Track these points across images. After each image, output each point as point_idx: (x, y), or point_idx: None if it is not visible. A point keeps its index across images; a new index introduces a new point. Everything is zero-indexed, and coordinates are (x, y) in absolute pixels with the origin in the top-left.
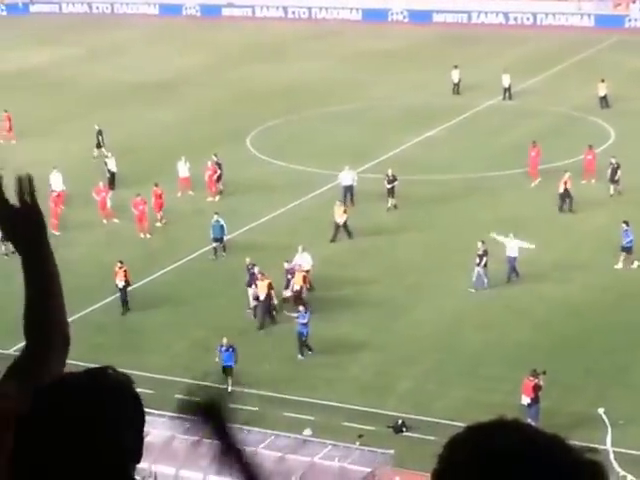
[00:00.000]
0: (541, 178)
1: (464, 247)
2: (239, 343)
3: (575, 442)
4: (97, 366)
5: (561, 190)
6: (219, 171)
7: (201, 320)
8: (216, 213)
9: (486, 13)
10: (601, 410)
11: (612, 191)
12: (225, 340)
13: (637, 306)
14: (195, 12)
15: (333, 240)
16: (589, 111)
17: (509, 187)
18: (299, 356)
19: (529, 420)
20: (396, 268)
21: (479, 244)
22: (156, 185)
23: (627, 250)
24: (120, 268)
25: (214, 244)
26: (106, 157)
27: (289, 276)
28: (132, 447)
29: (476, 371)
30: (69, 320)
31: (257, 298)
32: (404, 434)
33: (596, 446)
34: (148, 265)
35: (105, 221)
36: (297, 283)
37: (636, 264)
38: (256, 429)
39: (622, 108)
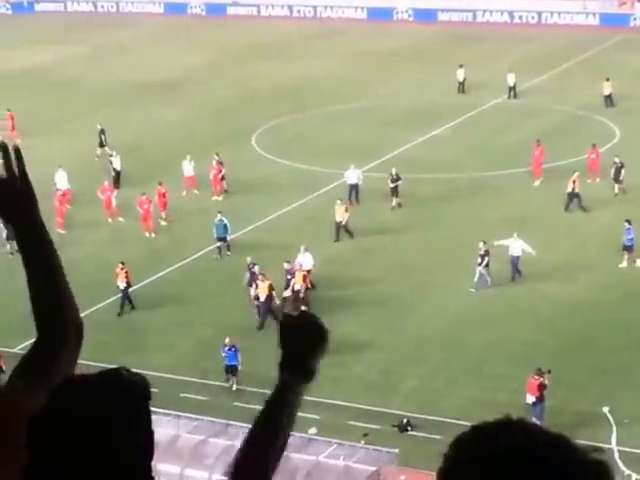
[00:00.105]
0: (544, 177)
1: (469, 246)
2: (242, 342)
3: (580, 441)
4: (111, 367)
5: (569, 189)
6: (218, 171)
7: (206, 319)
8: (219, 212)
9: (491, 12)
10: (606, 409)
11: (617, 190)
12: (228, 340)
13: None
14: (200, 11)
15: (337, 240)
16: (594, 110)
17: (514, 186)
18: None
19: (534, 419)
20: (401, 267)
21: (480, 244)
22: (160, 184)
23: (628, 249)
24: (122, 269)
25: (218, 243)
26: (110, 156)
27: (289, 276)
28: (147, 447)
29: (481, 370)
30: None
31: (257, 298)
32: (409, 433)
33: (601, 445)
34: (153, 264)
35: (110, 220)
36: (297, 283)
37: (639, 262)
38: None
39: (627, 107)
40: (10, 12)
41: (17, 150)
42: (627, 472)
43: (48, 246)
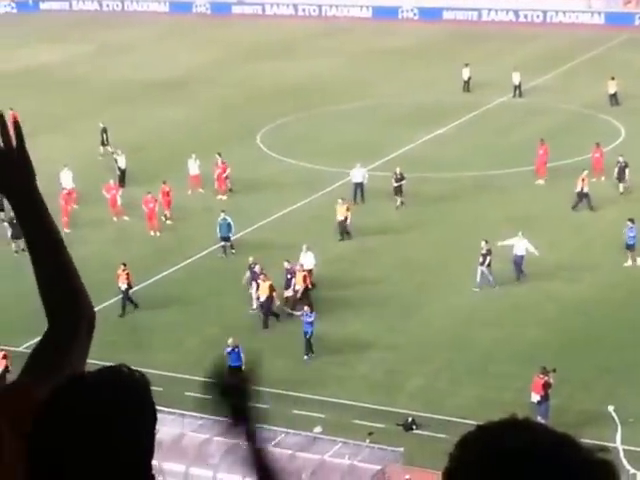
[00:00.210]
0: (549, 176)
1: (474, 245)
2: (247, 342)
3: (586, 441)
4: (111, 364)
5: (578, 188)
6: (223, 170)
7: (210, 318)
8: (223, 211)
9: (496, 11)
10: (611, 408)
11: (621, 189)
12: (231, 340)
13: None
14: (205, 10)
15: (342, 239)
16: (599, 109)
17: (519, 185)
18: (304, 357)
19: (539, 418)
20: (405, 266)
21: (482, 243)
22: (164, 182)
23: (630, 248)
24: (123, 271)
25: (222, 243)
26: (116, 155)
27: (289, 275)
28: (148, 445)
29: (486, 369)
30: None
31: (258, 298)
32: (414, 432)
33: (606, 444)
34: (158, 263)
35: (115, 219)
36: (298, 283)
37: (639, 261)
38: (266, 427)
39: (632, 106)
40: (15, 11)
41: (16, 122)
42: (632, 471)
43: (50, 224)
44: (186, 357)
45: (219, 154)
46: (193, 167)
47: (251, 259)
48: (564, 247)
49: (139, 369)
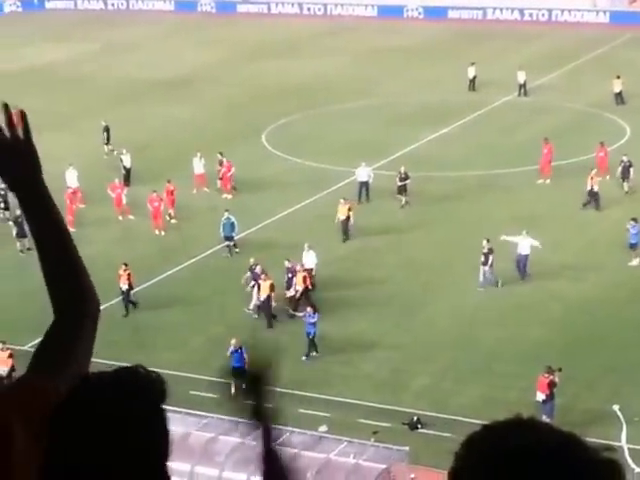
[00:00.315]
0: (553, 176)
1: (478, 245)
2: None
3: (592, 440)
4: (127, 365)
5: (588, 187)
6: (228, 169)
7: (215, 317)
8: (226, 210)
9: (501, 9)
10: (616, 407)
11: (626, 188)
12: (234, 341)
13: None
14: (210, 8)
15: (347, 238)
16: (605, 108)
17: (524, 184)
18: (303, 357)
19: (544, 417)
20: (410, 266)
21: (484, 242)
22: (169, 181)
23: (633, 247)
24: (124, 271)
25: (227, 242)
26: (112, 151)
27: (290, 274)
28: (163, 446)
29: (491, 368)
30: None
31: (259, 298)
32: (419, 431)
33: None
34: (163, 262)
35: (121, 217)
36: (298, 283)
37: (635, 262)
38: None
39: (638, 104)
40: (20, 10)
41: (22, 113)
42: (637, 470)
43: (56, 216)
44: (191, 356)
45: (221, 153)
46: (198, 166)
47: (252, 260)
48: (568, 246)
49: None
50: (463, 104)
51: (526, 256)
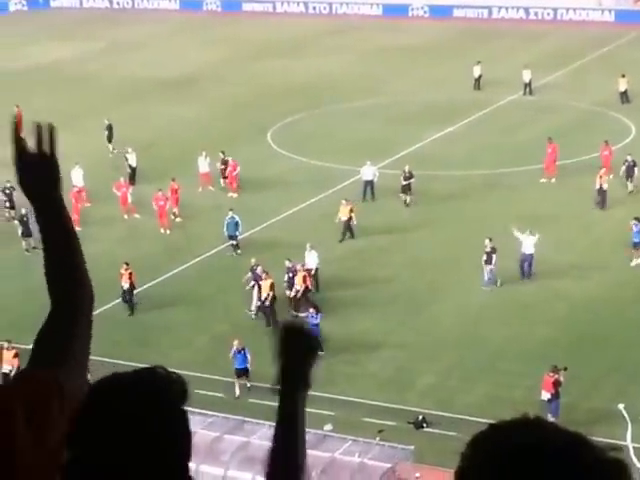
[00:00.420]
0: (558, 175)
1: (483, 244)
2: (256, 339)
3: (598, 439)
4: (146, 366)
5: (597, 186)
6: (234, 168)
7: (220, 316)
8: (231, 210)
9: (507, 8)
10: (621, 406)
11: (630, 188)
12: (236, 342)
13: None
14: (216, 7)
15: (352, 237)
16: (610, 106)
17: (529, 183)
18: None
19: (549, 416)
20: (415, 265)
21: (486, 241)
22: (173, 180)
23: (636, 246)
24: (126, 270)
25: (231, 241)
26: (126, 152)
27: (290, 274)
28: (185, 446)
29: (496, 367)
30: None
31: (259, 298)
32: (424, 430)
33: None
34: (168, 261)
35: (126, 216)
36: (298, 283)
37: (634, 262)
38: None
39: None
40: (26, 8)
41: (52, 130)
42: None
43: (68, 231)
44: (195, 355)
45: (222, 152)
46: (203, 165)
47: (253, 260)
48: (573, 246)
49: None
50: (468, 103)
51: (531, 255)
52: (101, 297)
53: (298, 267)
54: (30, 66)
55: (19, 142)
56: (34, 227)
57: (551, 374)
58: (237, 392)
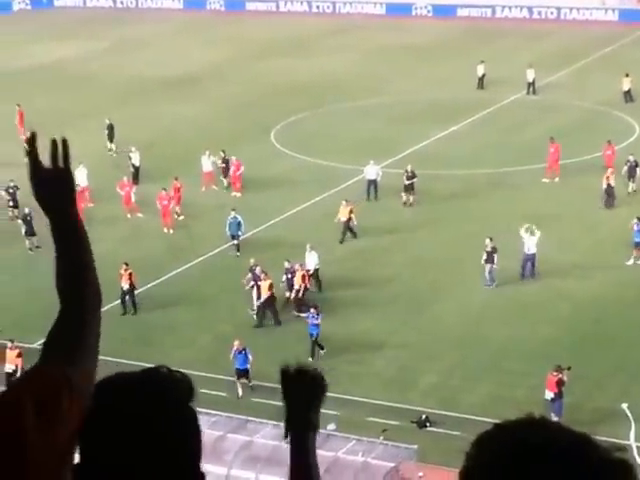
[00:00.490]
0: (561, 174)
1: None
2: (259, 339)
3: (602, 439)
4: (151, 366)
5: (604, 186)
6: (237, 167)
7: (223, 315)
8: (233, 210)
9: (510, 7)
10: (624, 405)
11: (630, 189)
12: (237, 342)
13: None
14: (219, 6)
15: (354, 237)
16: (613, 106)
17: (532, 183)
18: (309, 359)
19: (552, 415)
20: (418, 264)
21: (487, 241)
22: (176, 179)
23: (636, 246)
24: (125, 270)
25: (234, 241)
26: (130, 152)
27: (289, 275)
28: (196, 445)
29: (499, 366)
30: None
31: (259, 298)
32: (428, 429)
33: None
34: (171, 260)
35: (129, 215)
36: (297, 283)
37: (631, 261)
38: (281, 424)
39: None
40: (29, 7)
41: (65, 143)
42: None
43: (81, 243)
44: (199, 354)
45: (223, 151)
46: (207, 164)
47: (252, 260)
48: (576, 245)
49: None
50: (472, 102)
51: (533, 255)
52: (104, 296)
53: (296, 267)
54: (33, 65)
55: (34, 158)
56: (37, 226)
57: (555, 373)
58: (240, 392)
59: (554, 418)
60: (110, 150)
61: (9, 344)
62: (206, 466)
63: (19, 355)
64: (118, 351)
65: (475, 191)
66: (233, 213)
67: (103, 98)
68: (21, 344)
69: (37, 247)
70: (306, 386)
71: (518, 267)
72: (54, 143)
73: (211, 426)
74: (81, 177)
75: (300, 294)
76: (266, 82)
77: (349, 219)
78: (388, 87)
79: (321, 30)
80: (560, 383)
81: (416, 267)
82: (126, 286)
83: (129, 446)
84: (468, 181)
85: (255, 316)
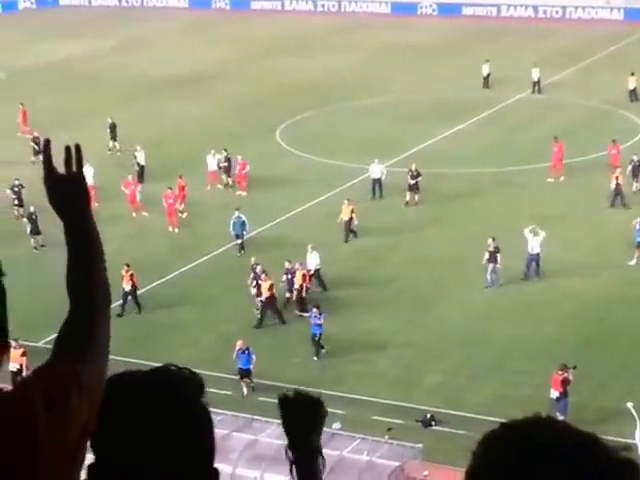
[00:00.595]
0: (566, 173)
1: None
2: (263, 338)
3: (609, 438)
4: (159, 365)
5: (613, 186)
6: (243, 166)
7: (228, 314)
8: (237, 209)
9: (515, 6)
10: (630, 404)
11: (634, 188)
12: (240, 342)
13: None
14: (225, 5)
15: (355, 236)
16: (619, 104)
17: (537, 182)
18: (314, 358)
19: (558, 414)
20: (422, 263)
21: (489, 240)
22: (180, 177)
23: (638, 245)
24: (127, 272)
25: (238, 241)
26: (118, 150)
27: (289, 275)
28: (207, 445)
29: (504, 365)
30: None
31: (259, 295)
32: (433, 428)
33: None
34: (176, 259)
35: (134, 214)
36: (297, 283)
37: (634, 261)
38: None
39: None
40: (35, 6)
41: (78, 148)
42: None
43: (95, 247)
44: (203, 353)
45: (225, 150)
46: (212, 163)
47: (253, 259)
48: (581, 244)
49: (158, 365)
50: (477, 101)
51: (537, 255)
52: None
53: (297, 266)
54: (39, 64)
55: (48, 163)
56: (42, 225)
57: (560, 372)
58: (245, 391)
59: (559, 417)
60: (111, 149)
61: (13, 343)
62: None
63: (23, 354)
64: (122, 350)
65: (480, 190)
66: (237, 213)
67: (109, 97)
68: (26, 343)
69: (42, 246)
70: (306, 412)
71: (523, 267)
72: (68, 149)
73: (216, 425)
74: (88, 176)
75: (302, 294)
76: (271, 81)
77: (351, 218)
78: (393, 86)
79: (326, 29)
80: (565, 382)
81: (421, 266)
82: (128, 287)
83: (143, 444)
84: (473, 180)
85: (258, 315)
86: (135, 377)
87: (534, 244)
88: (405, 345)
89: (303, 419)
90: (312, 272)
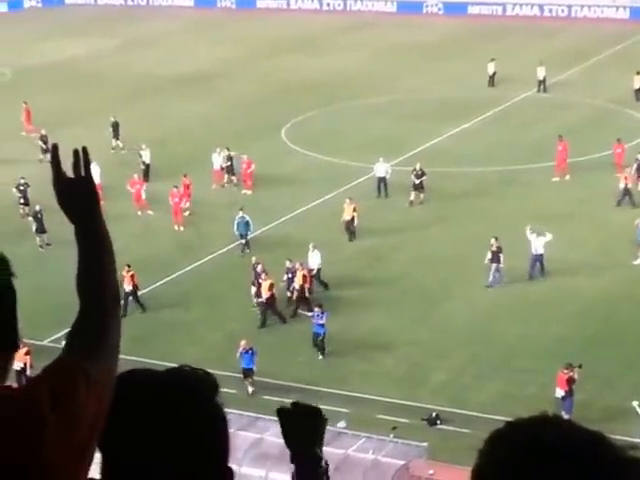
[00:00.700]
0: (571, 172)
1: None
2: (266, 337)
3: (615, 437)
4: (174, 366)
5: (622, 185)
6: (248, 165)
7: (233, 313)
8: (241, 209)
9: (521, 5)
10: (635, 403)
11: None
12: (244, 342)
13: None
14: (230, 4)
15: (354, 237)
16: (625, 103)
17: (543, 181)
18: (320, 356)
19: (563, 413)
20: (427, 262)
21: (492, 240)
22: (185, 175)
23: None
24: (127, 272)
25: (242, 240)
26: (122, 149)
27: (290, 275)
28: (221, 445)
29: (510, 364)
30: None
31: (259, 295)
32: (438, 427)
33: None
34: (181, 258)
35: (140, 213)
36: (298, 283)
37: (638, 261)
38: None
39: None
40: (40, 5)
41: (85, 151)
42: None
43: (105, 247)
44: (209, 352)
45: (227, 148)
46: (217, 162)
47: (254, 259)
48: (586, 243)
49: (164, 363)
50: (483, 100)
51: (541, 255)
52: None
53: (297, 266)
54: (45, 63)
55: (57, 167)
56: (48, 223)
57: (565, 371)
58: (249, 390)
59: (565, 416)
60: (114, 148)
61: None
62: None
63: (27, 353)
64: (128, 349)
65: (486, 189)
66: (241, 213)
67: (114, 96)
68: (30, 341)
69: (47, 244)
70: (305, 423)
71: (527, 266)
72: (76, 153)
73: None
74: (95, 176)
75: (303, 294)
76: (277, 80)
77: (352, 218)
78: (399, 85)
79: (332, 28)
80: (571, 381)
81: (426, 265)
82: (129, 288)
83: (157, 444)
84: (479, 179)
85: (259, 315)
86: (148, 376)
87: (538, 245)
88: (410, 344)
89: (303, 430)
90: (314, 272)
